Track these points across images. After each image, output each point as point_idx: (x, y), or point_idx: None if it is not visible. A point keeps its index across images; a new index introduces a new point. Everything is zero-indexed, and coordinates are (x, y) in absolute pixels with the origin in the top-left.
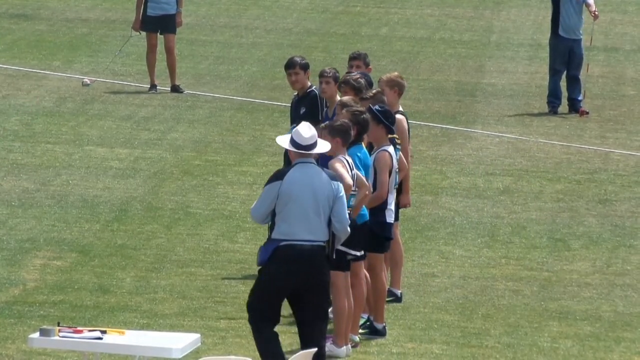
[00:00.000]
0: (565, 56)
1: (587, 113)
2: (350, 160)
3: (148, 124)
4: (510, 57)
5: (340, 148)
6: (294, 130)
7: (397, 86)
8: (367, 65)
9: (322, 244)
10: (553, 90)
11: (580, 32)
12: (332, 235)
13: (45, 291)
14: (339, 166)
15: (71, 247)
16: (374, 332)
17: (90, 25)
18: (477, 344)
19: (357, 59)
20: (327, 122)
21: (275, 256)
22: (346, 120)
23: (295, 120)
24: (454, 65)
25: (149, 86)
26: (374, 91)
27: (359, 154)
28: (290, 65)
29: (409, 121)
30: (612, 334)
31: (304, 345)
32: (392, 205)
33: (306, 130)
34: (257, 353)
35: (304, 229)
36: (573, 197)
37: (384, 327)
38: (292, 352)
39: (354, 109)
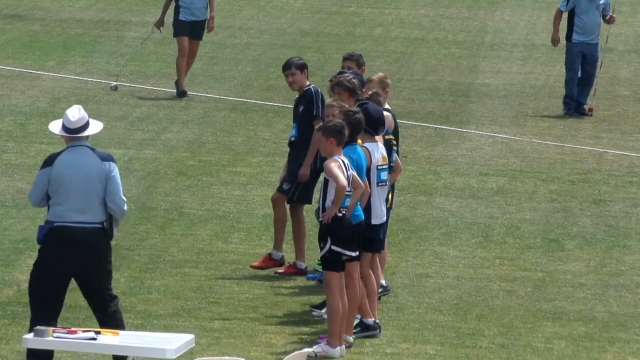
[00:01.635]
0: (580, 59)
1: (591, 110)
2: (346, 161)
3: (142, 125)
4: (504, 58)
5: (335, 148)
6: (64, 114)
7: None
8: (360, 66)
9: (97, 225)
10: (569, 92)
11: (597, 36)
12: (110, 217)
13: None
14: (334, 166)
15: None
16: (365, 328)
17: (84, 25)
18: (471, 345)
19: (349, 60)
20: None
21: (49, 237)
22: (339, 120)
23: (296, 119)
24: (448, 65)
25: (175, 91)
26: (369, 93)
27: (352, 155)
28: (287, 67)
29: (396, 120)
30: (606, 334)
31: (101, 324)
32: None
33: (75, 113)
34: (251, 353)
35: (75, 211)
36: (567, 198)
37: (375, 321)
38: (287, 352)
39: (346, 108)
